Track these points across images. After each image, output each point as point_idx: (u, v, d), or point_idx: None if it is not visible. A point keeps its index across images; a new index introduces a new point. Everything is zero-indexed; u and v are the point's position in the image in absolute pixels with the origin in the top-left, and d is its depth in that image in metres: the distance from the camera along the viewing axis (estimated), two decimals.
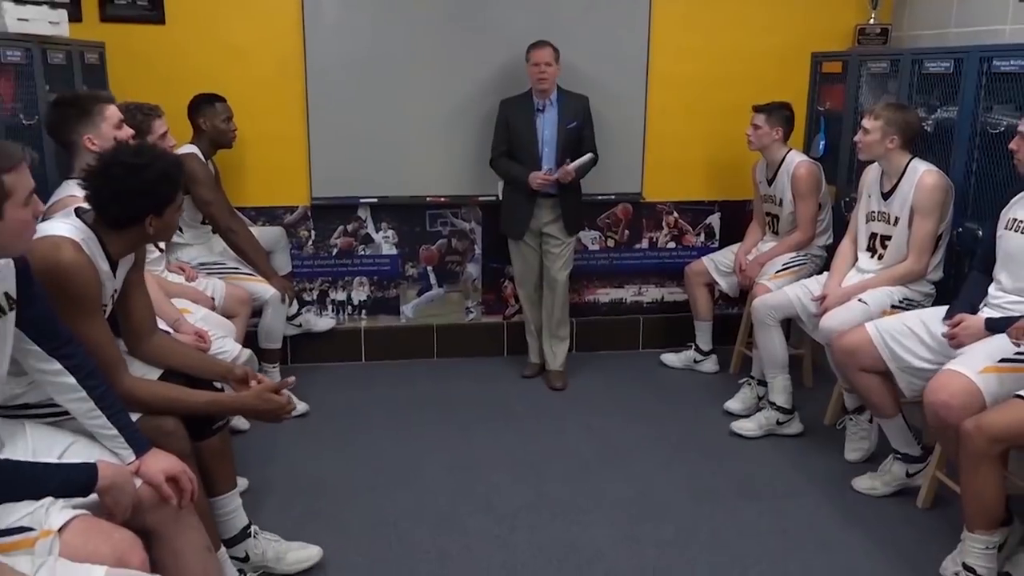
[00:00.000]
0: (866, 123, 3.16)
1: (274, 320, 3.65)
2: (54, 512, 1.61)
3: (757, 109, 3.79)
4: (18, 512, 1.59)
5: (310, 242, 4.18)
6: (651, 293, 4.53)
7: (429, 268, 4.31)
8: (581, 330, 4.41)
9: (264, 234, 3.90)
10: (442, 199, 4.20)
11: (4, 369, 1.75)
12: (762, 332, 3.53)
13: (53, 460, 1.77)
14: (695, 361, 4.26)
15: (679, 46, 4.18)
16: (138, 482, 1.85)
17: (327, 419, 3.60)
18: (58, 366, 1.82)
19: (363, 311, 4.31)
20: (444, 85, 4.05)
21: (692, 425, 3.62)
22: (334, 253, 4.22)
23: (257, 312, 3.63)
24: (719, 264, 4.11)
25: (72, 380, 1.83)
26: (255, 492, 2.91)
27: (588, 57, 4.06)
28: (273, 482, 3.03)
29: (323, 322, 4.22)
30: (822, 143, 4.07)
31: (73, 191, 2.44)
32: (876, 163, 3.26)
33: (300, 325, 4.13)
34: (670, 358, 4.34)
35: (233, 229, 3.59)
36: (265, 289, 3.59)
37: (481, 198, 4.19)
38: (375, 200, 4.15)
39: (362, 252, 4.24)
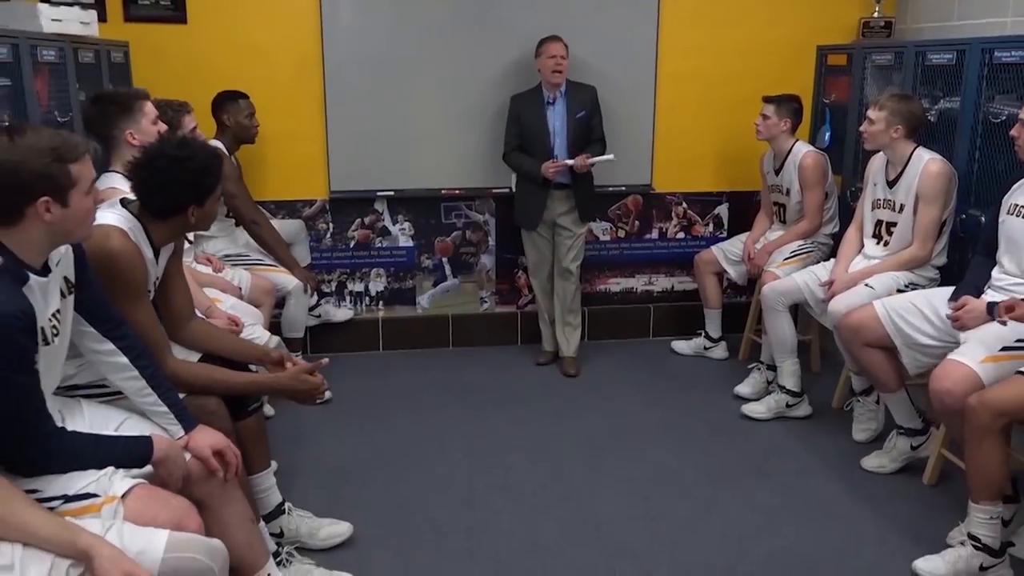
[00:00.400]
0: (871, 114, 3.26)
1: (297, 310, 3.77)
2: (116, 480, 1.72)
3: (767, 100, 3.89)
4: (84, 480, 1.70)
5: (328, 235, 4.29)
6: (661, 282, 4.64)
7: (444, 259, 4.42)
8: (593, 319, 4.52)
9: (284, 227, 4.01)
10: (457, 192, 4.30)
11: (66, 349, 1.85)
12: (771, 318, 3.63)
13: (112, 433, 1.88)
14: (705, 348, 4.37)
15: (687, 42, 4.28)
16: (187, 456, 1.95)
17: (349, 406, 3.71)
18: (112, 347, 1.93)
19: (380, 302, 4.42)
20: (457, 81, 4.15)
21: (703, 409, 3.72)
22: (352, 245, 4.33)
23: (280, 303, 3.74)
24: (728, 253, 4.21)
25: (125, 360, 1.94)
26: (284, 474, 3.00)
27: (598, 54, 4.16)
28: (300, 465, 3.14)
29: (341, 313, 4.33)
30: (827, 134, 4.17)
31: (114, 183, 2.56)
32: (881, 152, 3.35)
33: (319, 316, 4.24)
34: (680, 345, 4.44)
35: (256, 221, 3.70)
36: (288, 280, 3.70)
37: (495, 190, 4.30)
38: (391, 193, 4.25)
39: (379, 244, 4.35)
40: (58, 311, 1.78)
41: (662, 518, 2.83)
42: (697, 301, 4.41)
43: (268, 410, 3.45)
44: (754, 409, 3.63)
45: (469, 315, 4.49)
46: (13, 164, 1.60)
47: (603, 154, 3.92)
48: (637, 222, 4.54)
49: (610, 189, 4.36)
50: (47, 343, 1.72)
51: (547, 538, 2.71)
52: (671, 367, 4.27)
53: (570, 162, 3.86)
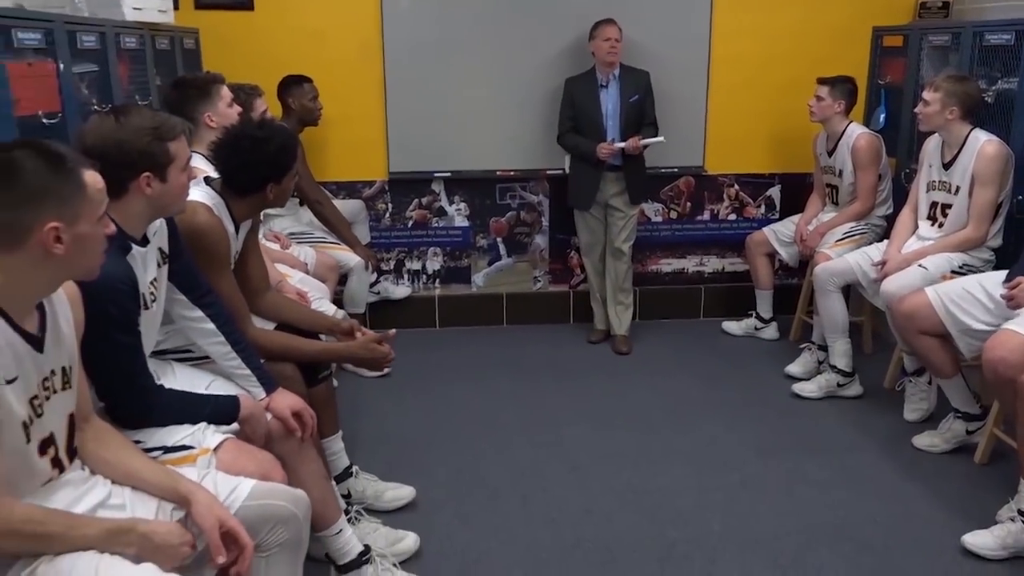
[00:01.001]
0: (926, 95, 3.27)
1: (358, 286, 3.92)
2: (209, 434, 1.87)
3: (821, 81, 3.90)
4: (180, 433, 1.85)
5: (387, 214, 4.43)
6: (712, 263, 4.69)
7: (499, 239, 4.53)
8: (644, 298, 4.59)
9: (345, 207, 4.16)
10: (512, 173, 4.40)
11: (161, 314, 2.01)
12: (823, 298, 3.67)
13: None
14: (756, 328, 4.41)
15: (740, 24, 4.31)
16: (268, 416, 2.10)
17: (407, 379, 3.85)
18: (200, 314, 2.08)
19: (437, 280, 4.55)
20: (512, 64, 4.24)
21: (754, 387, 3.78)
22: (410, 225, 4.46)
23: (342, 280, 3.89)
24: (780, 234, 4.25)
25: (212, 326, 2.09)
26: (348, 442, 3.09)
27: (651, 36, 4.21)
28: (363, 433, 3.28)
29: (400, 290, 4.48)
30: (882, 116, 4.17)
31: (195, 162, 2.69)
32: (936, 134, 3.36)
33: (378, 293, 4.39)
34: (731, 326, 4.49)
35: (320, 201, 3.85)
36: (350, 257, 3.84)
37: (549, 172, 4.39)
38: (448, 174, 4.37)
39: (436, 224, 4.47)
40: (155, 279, 1.94)
41: (712, 489, 2.92)
42: (748, 282, 4.46)
43: (333, 382, 3.60)
44: (805, 388, 3.68)
45: (523, 294, 4.60)
46: (120, 142, 1.75)
47: (655, 137, 3.99)
48: (689, 203, 4.59)
49: (662, 171, 4.41)
50: (146, 308, 1.87)
51: (599, 505, 2.82)
52: (722, 347, 4.33)
53: (622, 145, 3.93)
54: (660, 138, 3.97)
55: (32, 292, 1.44)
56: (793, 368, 3.86)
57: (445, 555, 2.55)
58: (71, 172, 1.42)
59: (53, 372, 1.48)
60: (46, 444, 1.47)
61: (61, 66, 2.48)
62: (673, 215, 4.61)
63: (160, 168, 1.80)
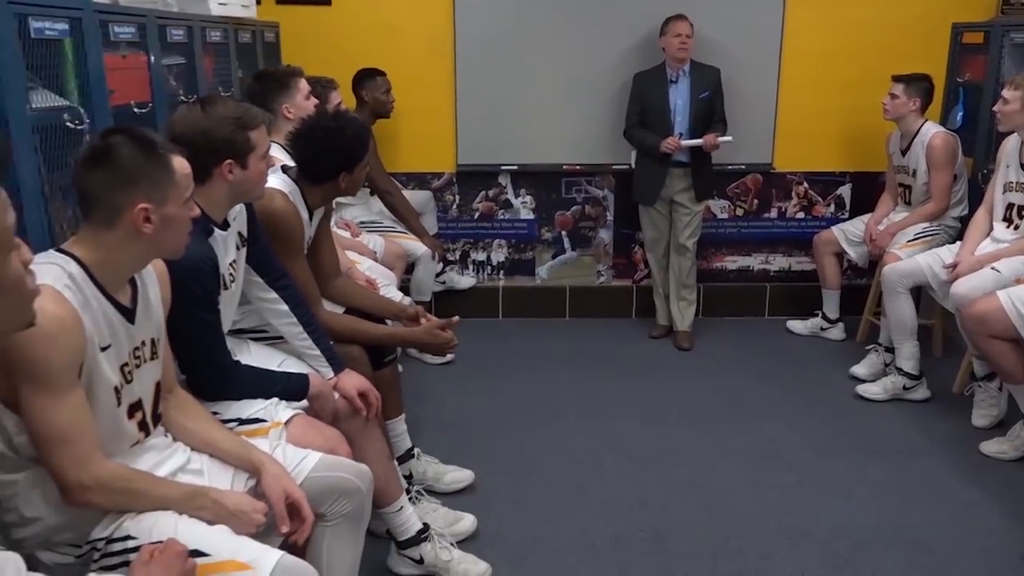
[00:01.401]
0: (1006, 93, 3.19)
1: (425, 275, 4.02)
2: (280, 409, 1.98)
3: (896, 79, 3.83)
4: (254, 407, 1.96)
5: (454, 206, 4.52)
6: (778, 262, 4.65)
7: (563, 232, 4.58)
8: (708, 295, 4.58)
9: (414, 197, 4.26)
10: (577, 167, 4.44)
11: (239, 295, 2.12)
12: (891, 299, 3.61)
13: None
14: (821, 329, 4.36)
15: (814, 19, 4.26)
16: (335, 395, 2.19)
17: (470, 367, 3.93)
18: (275, 296, 2.19)
19: (501, 271, 4.62)
20: (581, 59, 4.28)
21: (817, 387, 3.75)
22: (476, 216, 4.54)
23: (409, 268, 3.99)
24: (849, 234, 4.19)
25: (285, 308, 2.20)
26: (411, 425, 3.20)
27: (721, 31, 4.19)
28: (426, 418, 3.37)
29: (465, 280, 4.57)
30: (960, 115, 4.07)
31: (273, 152, 2.82)
32: (1016, 134, 3.27)
33: (444, 283, 4.48)
34: (796, 325, 4.45)
35: (390, 191, 3.96)
36: (417, 246, 3.95)
37: (614, 167, 4.42)
38: (515, 167, 4.44)
39: (502, 216, 4.55)
40: (234, 261, 2.05)
41: (769, 486, 2.92)
42: (815, 282, 4.41)
43: (398, 367, 3.71)
44: (870, 390, 3.63)
45: (586, 287, 4.64)
46: (205, 130, 1.86)
47: (724, 135, 3.98)
48: (756, 201, 4.56)
49: (729, 167, 4.39)
50: (225, 288, 1.99)
51: (655, 497, 2.85)
52: (786, 346, 4.30)
53: (698, 141, 3.93)
54: (729, 137, 3.97)
55: (125, 267, 1.56)
56: (858, 369, 3.81)
57: (501, 538, 2.62)
58: (161, 157, 1.53)
59: (143, 343, 1.60)
60: (134, 408, 1.59)
61: (152, 58, 2.62)
62: (739, 212, 4.58)
63: (241, 156, 1.91)
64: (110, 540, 1.49)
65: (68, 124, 2.13)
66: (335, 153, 2.34)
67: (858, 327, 4.29)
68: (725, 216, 4.58)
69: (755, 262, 4.65)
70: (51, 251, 1.50)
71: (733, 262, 4.65)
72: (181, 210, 1.57)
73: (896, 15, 4.24)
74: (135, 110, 2.50)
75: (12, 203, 1.89)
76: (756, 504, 2.81)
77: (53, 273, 1.42)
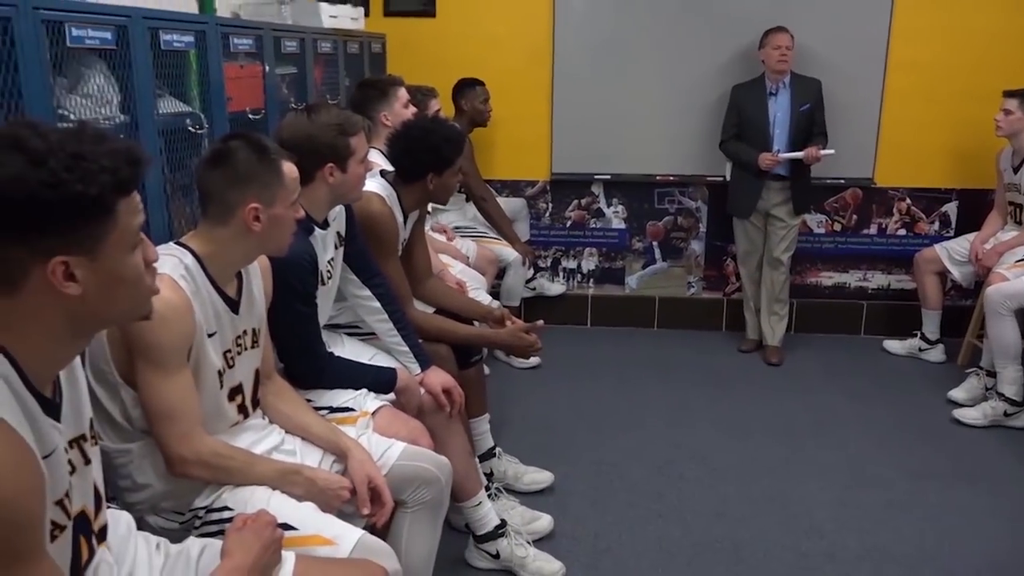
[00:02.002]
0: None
1: (515, 281, 4.11)
2: (369, 400, 2.10)
3: (1009, 94, 3.69)
4: (345, 396, 2.09)
5: (547, 213, 4.60)
6: (877, 279, 4.53)
7: (655, 243, 4.59)
8: (801, 311, 4.50)
9: (508, 204, 4.37)
10: (671, 178, 4.45)
11: (336, 291, 2.26)
12: (994, 321, 3.48)
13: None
14: (920, 349, 4.22)
15: (923, 29, 4.14)
16: (421, 391, 2.30)
17: (556, 372, 4.00)
18: (368, 293, 2.32)
19: (591, 279, 4.67)
20: (678, 69, 4.29)
21: (912, 409, 3.64)
22: (568, 225, 4.61)
23: (500, 273, 4.09)
24: (953, 253, 4.05)
25: (378, 304, 2.32)
26: (495, 425, 3.29)
27: (823, 41, 4.13)
28: (509, 419, 3.46)
29: (555, 287, 4.64)
30: None
31: (372, 157, 2.97)
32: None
33: (534, 288, 4.56)
34: (893, 345, 4.32)
35: (484, 198, 4.07)
36: (509, 252, 4.04)
37: (709, 178, 4.40)
38: (608, 177, 4.48)
39: (593, 225, 4.60)
40: (332, 259, 2.19)
41: (854, 506, 2.87)
42: (915, 301, 4.27)
43: (484, 369, 3.81)
44: (968, 415, 3.50)
45: (675, 298, 4.64)
46: (310, 135, 2.01)
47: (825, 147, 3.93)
48: (855, 216, 4.46)
49: (828, 181, 4.31)
50: (323, 284, 2.12)
51: (734, 510, 2.84)
52: (881, 366, 4.18)
53: (798, 155, 3.89)
54: (831, 151, 3.91)
55: (233, 261, 1.70)
56: (957, 393, 3.67)
57: (577, 540, 2.67)
58: (273, 162, 1.67)
59: (245, 332, 1.74)
60: (235, 392, 1.73)
61: (267, 68, 2.81)
62: (837, 227, 4.49)
63: (342, 160, 2.04)
64: (210, 509, 1.63)
65: (190, 129, 2.32)
66: (425, 151, 2.46)
67: (959, 349, 4.13)
68: (822, 231, 4.49)
69: (852, 279, 4.54)
70: (171, 243, 1.65)
71: (829, 278, 4.55)
72: (287, 211, 1.70)
73: (1011, 25, 4.07)
74: (250, 116, 2.68)
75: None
76: (838, 523, 2.76)
77: (171, 263, 1.57)
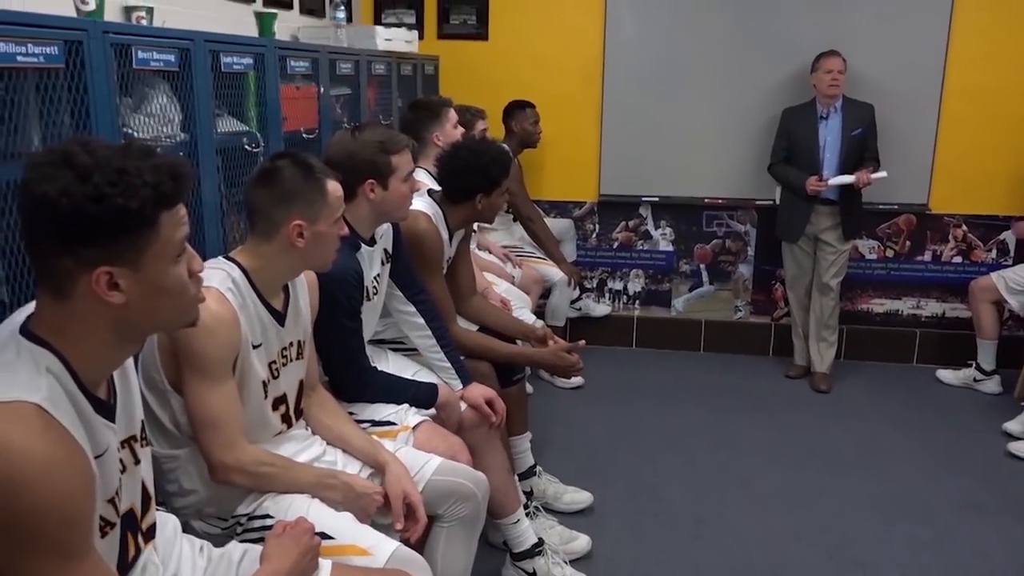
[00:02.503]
0: None
1: (560, 301, 4.13)
2: (410, 415, 2.14)
3: None
4: (387, 410, 2.13)
5: (594, 235, 4.62)
6: (931, 307, 4.43)
7: (702, 266, 4.57)
8: (851, 338, 4.43)
9: (555, 225, 4.40)
10: (720, 201, 4.44)
11: (381, 306, 2.31)
12: None
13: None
14: (975, 380, 4.12)
15: (981, 54, 4.08)
16: (462, 406, 2.33)
17: (600, 393, 4.00)
18: (413, 309, 2.36)
19: (637, 301, 4.67)
20: (729, 93, 4.29)
21: (963, 441, 3.56)
22: (615, 246, 4.62)
23: (545, 293, 4.12)
24: (1010, 281, 3.95)
25: (421, 321, 2.37)
26: (536, 444, 3.31)
27: (877, 65, 4.09)
28: (551, 438, 3.47)
29: (600, 308, 4.65)
30: None
31: (419, 177, 3.02)
32: None
33: (580, 309, 4.58)
34: (947, 375, 4.22)
35: (532, 219, 4.11)
36: (555, 272, 4.07)
37: (758, 202, 4.38)
38: (656, 199, 4.49)
39: (640, 247, 4.60)
40: (378, 275, 2.24)
41: (900, 538, 2.81)
42: (970, 330, 4.17)
43: (527, 388, 3.83)
44: (1023, 448, 3.41)
45: (722, 322, 4.61)
46: (351, 153, 2.08)
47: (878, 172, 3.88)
48: (908, 242, 4.38)
49: (880, 207, 4.25)
50: (368, 299, 2.18)
51: (775, 537, 2.81)
52: (933, 396, 4.09)
53: (848, 179, 3.85)
54: (883, 173, 3.86)
55: (279, 276, 1.76)
56: (1012, 425, 3.57)
57: (614, 561, 2.66)
58: (317, 180, 1.73)
59: (291, 344, 1.79)
60: (279, 402, 1.78)
61: (321, 89, 2.90)
62: (889, 253, 4.41)
63: (382, 177, 2.10)
64: (251, 517, 1.68)
65: (246, 147, 2.41)
66: (474, 172, 2.51)
67: (1015, 381, 4.01)
68: (874, 257, 4.43)
69: (905, 306, 4.46)
70: (220, 257, 1.72)
71: (880, 305, 4.48)
72: (331, 228, 1.76)
73: None
74: (304, 135, 2.77)
75: (192, 217, 2.18)
76: (883, 555, 2.71)
77: (219, 277, 1.63)
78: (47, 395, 1.05)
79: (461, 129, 3.23)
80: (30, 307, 1.16)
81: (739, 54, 4.24)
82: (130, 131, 1.97)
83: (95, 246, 1.07)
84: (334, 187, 1.77)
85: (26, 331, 1.11)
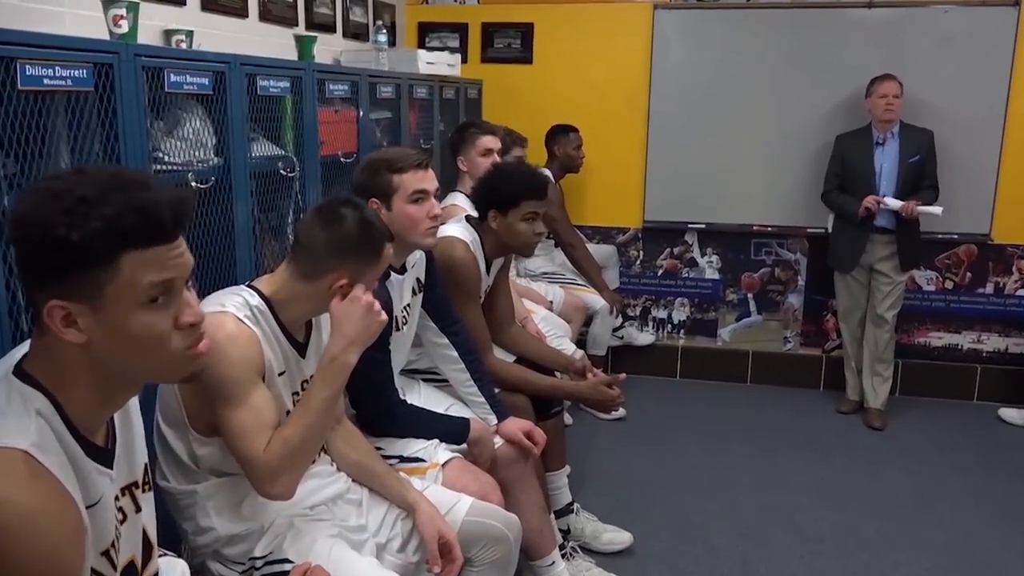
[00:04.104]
0: None
1: (602, 329, 4.02)
2: (440, 451, 2.05)
3: None
4: (416, 446, 2.05)
5: (638, 261, 4.51)
6: (993, 342, 4.22)
7: (750, 295, 4.43)
8: (907, 372, 4.24)
9: (598, 251, 4.30)
10: (769, 228, 4.30)
11: (412, 337, 2.24)
12: None
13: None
14: None
15: None
16: (498, 441, 2.24)
17: (642, 425, 3.87)
18: (446, 341, 2.28)
19: (682, 330, 4.54)
20: (779, 118, 4.17)
21: None
22: (659, 273, 4.50)
23: (587, 321, 4.01)
24: None
25: (455, 354, 2.28)
26: (575, 479, 3.21)
27: (936, 90, 3.94)
28: (590, 472, 3.35)
29: (644, 337, 4.52)
30: None
31: (456, 200, 2.99)
32: None
33: (622, 337, 4.46)
34: (1011, 414, 4.00)
35: (573, 245, 4.02)
36: (596, 300, 3.96)
37: (809, 230, 4.23)
38: (703, 226, 4.37)
39: (686, 274, 4.48)
40: (408, 305, 2.17)
41: None
42: None
43: (567, 419, 3.72)
44: None
45: (771, 353, 4.45)
46: (359, 171, 2.03)
47: (933, 204, 3.70)
48: (969, 273, 4.19)
49: (939, 236, 4.07)
50: (398, 329, 2.11)
51: None
52: (997, 436, 3.88)
53: (896, 205, 3.69)
54: (938, 210, 3.67)
55: (304, 313, 1.68)
56: None
57: None
58: (376, 241, 1.65)
59: (312, 377, 1.72)
60: None
61: (361, 113, 2.86)
62: (948, 285, 4.22)
63: (384, 196, 2.01)
64: (268, 561, 1.60)
65: (281, 172, 2.37)
66: (485, 187, 2.45)
67: None
68: (932, 288, 4.24)
69: (965, 340, 4.25)
70: (240, 286, 1.66)
71: (939, 338, 4.28)
72: (367, 290, 1.64)
73: None
74: (342, 160, 2.73)
75: (225, 241, 2.14)
76: None
77: (235, 302, 1.57)
78: (36, 440, 0.98)
79: (491, 158, 3.14)
80: (26, 345, 1.09)
81: (791, 78, 4.12)
82: (161, 154, 1.94)
83: (48, 277, 0.99)
84: (389, 251, 1.69)
85: (19, 370, 1.05)
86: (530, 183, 2.46)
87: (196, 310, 1.08)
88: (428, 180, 2.07)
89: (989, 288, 4.18)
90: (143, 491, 1.21)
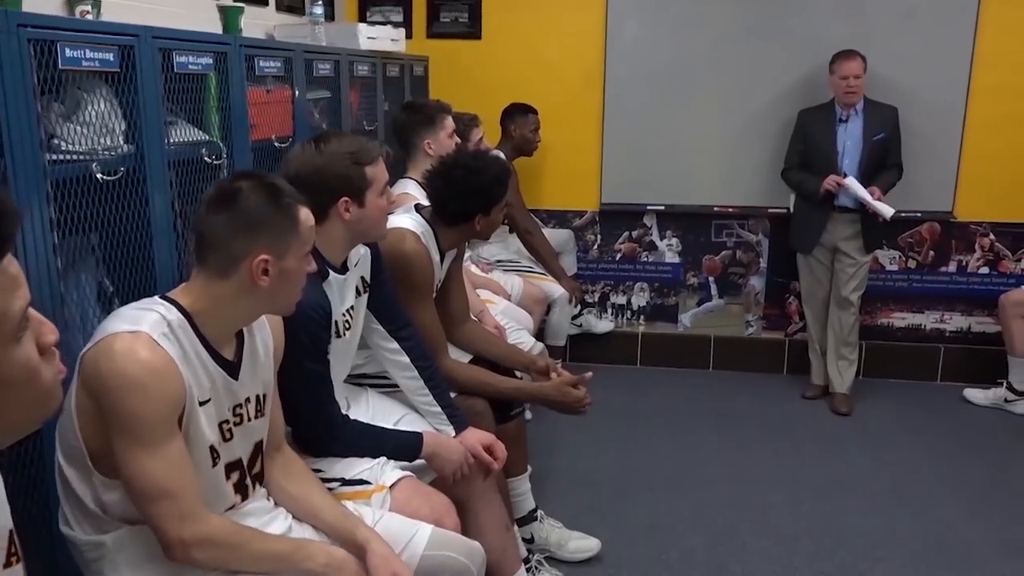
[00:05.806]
0: None
1: (560, 318, 3.83)
2: (387, 471, 1.83)
3: None
4: (359, 467, 1.82)
5: (596, 246, 4.33)
6: (956, 321, 4.15)
7: (711, 278, 4.29)
8: (871, 354, 4.14)
9: (554, 236, 4.10)
10: (730, 209, 4.15)
11: (357, 342, 2.01)
12: None
13: (389, 427, 2.00)
14: (1006, 400, 3.84)
15: (1010, 52, 3.81)
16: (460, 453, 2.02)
17: (604, 418, 3.68)
18: (396, 346, 2.06)
19: (642, 316, 4.38)
20: (740, 95, 4.01)
21: (1001, 469, 3.28)
22: (618, 258, 4.33)
23: (547, 311, 3.82)
24: None
25: (407, 360, 2.06)
26: (536, 479, 3.01)
27: (900, 66, 3.82)
28: (553, 473, 3.18)
29: (602, 324, 4.35)
30: None
31: (408, 188, 2.75)
32: None
33: (580, 325, 4.28)
34: (975, 394, 3.94)
35: (530, 231, 3.81)
36: (555, 288, 3.77)
37: (771, 210, 4.10)
38: (662, 208, 4.20)
39: (645, 258, 4.31)
40: (352, 307, 1.94)
41: None
42: (999, 346, 3.90)
43: (527, 414, 3.53)
44: None
45: (733, 338, 4.32)
46: (318, 168, 1.77)
47: (896, 183, 3.62)
48: (932, 252, 4.11)
49: (903, 215, 3.95)
50: (339, 336, 1.88)
51: None
52: (962, 417, 3.81)
53: (857, 189, 3.55)
54: (889, 212, 3.55)
55: (232, 321, 1.46)
56: None
57: None
58: (288, 208, 1.44)
59: (247, 400, 1.50)
60: (231, 468, 1.48)
61: (296, 93, 2.60)
62: (912, 264, 4.13)
63: (357, 192, 1.80)
64: None
65: (206, 159, 2.11)
66: (473, 194, 2.22)
67: None
68: (895, 268, 4.14)
69: (928, 320, 4.18)
70: (155, 298, 1.42)
71: (902, 319, 4.19)
72: (300, 264, 1.47)
73: None
74: (276, 144, 2.47)
75: (143, 240, 1.88)
76: None
77: (151, 320, 1.34)
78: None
79: (456, 140, 2.93)
80: None
81: (751, 52, 3.95)
82: (59, 142, 1.67)
83: None
84: (306, 215, 1.48)
85: None
86: (506, 175, 2.31)
87: (50, 324, 0.83)
88: (385, 169, 1.91)
89: (952, 267, 4.10)
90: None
